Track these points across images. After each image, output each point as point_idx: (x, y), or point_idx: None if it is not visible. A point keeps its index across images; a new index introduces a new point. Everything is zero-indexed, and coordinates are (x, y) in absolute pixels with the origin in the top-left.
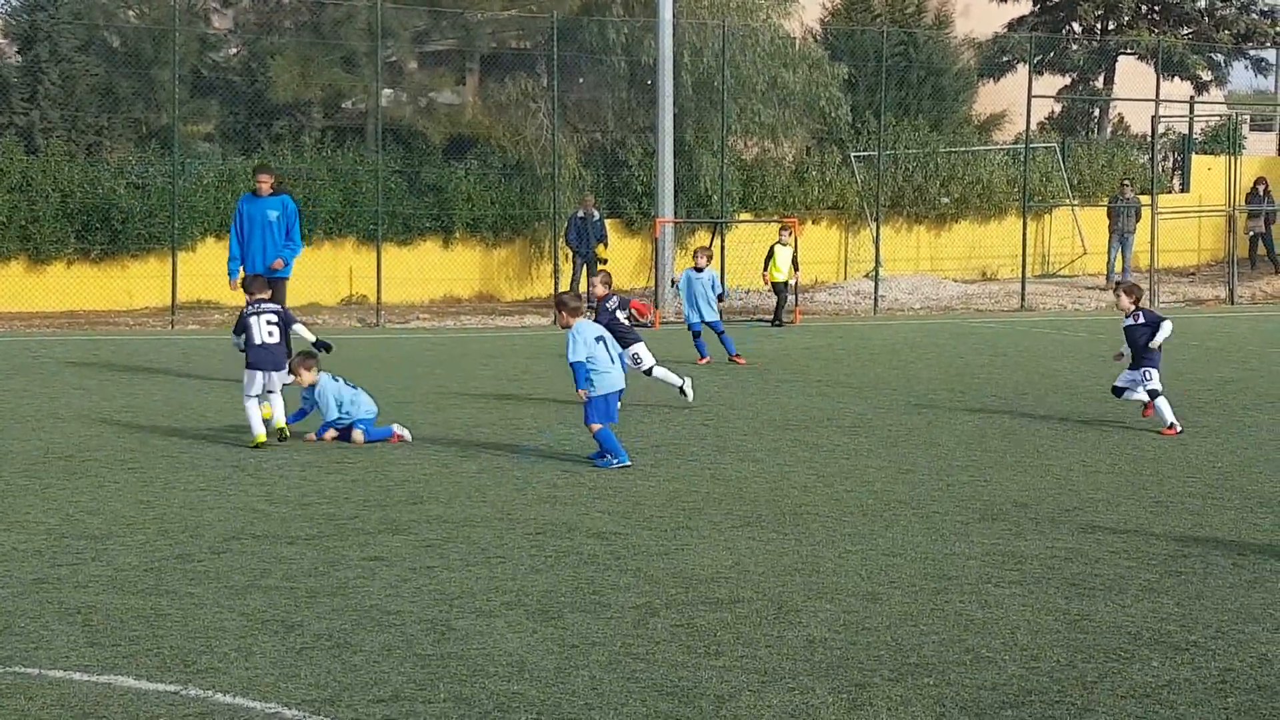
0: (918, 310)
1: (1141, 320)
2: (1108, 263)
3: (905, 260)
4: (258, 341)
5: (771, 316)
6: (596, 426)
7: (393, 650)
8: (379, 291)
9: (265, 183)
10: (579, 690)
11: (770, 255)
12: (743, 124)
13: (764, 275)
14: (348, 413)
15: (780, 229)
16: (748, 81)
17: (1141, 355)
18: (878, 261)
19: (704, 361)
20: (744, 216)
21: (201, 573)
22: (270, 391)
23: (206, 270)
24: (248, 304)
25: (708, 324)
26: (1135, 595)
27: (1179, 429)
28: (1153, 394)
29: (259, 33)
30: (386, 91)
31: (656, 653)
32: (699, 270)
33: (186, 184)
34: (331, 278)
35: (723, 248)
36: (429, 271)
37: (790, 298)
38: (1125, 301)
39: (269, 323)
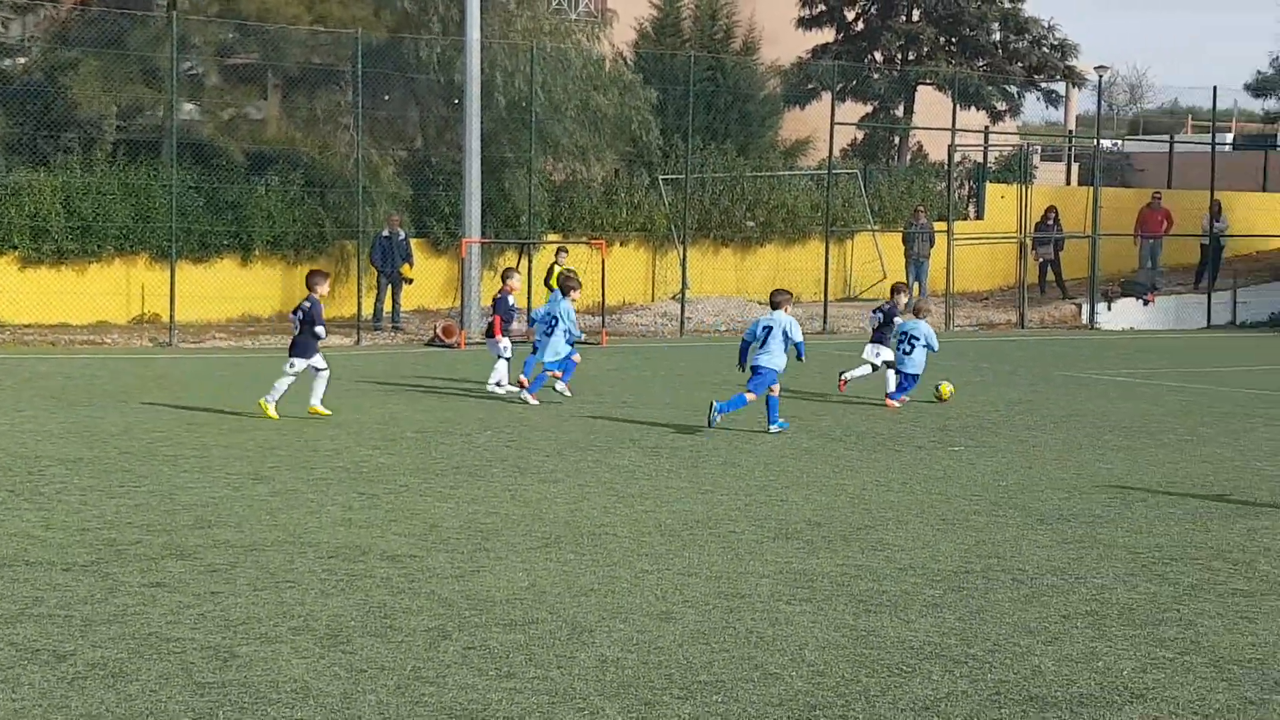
0: (723, 332)
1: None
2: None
3: (712, 282)
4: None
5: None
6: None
7: (170, 679)
8: (172, 310)
9: None
10: (365, 715)
11: (550, 273)
12: (553, 146)
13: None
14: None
15: (557, 249)
16: (559, 104)
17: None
18: (684, 283)
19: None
20: (552, 237)
21: None
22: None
23: None
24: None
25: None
26: (919, 611)
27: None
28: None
29: (55, 43)
30: (187, 106)
31: (447, 676)
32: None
33: None
34: (123, 295)
35: (530, 269)
36: (227, 290)
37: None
38: (900, 299)
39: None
